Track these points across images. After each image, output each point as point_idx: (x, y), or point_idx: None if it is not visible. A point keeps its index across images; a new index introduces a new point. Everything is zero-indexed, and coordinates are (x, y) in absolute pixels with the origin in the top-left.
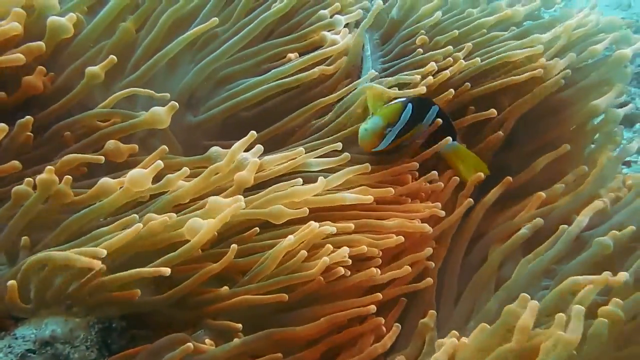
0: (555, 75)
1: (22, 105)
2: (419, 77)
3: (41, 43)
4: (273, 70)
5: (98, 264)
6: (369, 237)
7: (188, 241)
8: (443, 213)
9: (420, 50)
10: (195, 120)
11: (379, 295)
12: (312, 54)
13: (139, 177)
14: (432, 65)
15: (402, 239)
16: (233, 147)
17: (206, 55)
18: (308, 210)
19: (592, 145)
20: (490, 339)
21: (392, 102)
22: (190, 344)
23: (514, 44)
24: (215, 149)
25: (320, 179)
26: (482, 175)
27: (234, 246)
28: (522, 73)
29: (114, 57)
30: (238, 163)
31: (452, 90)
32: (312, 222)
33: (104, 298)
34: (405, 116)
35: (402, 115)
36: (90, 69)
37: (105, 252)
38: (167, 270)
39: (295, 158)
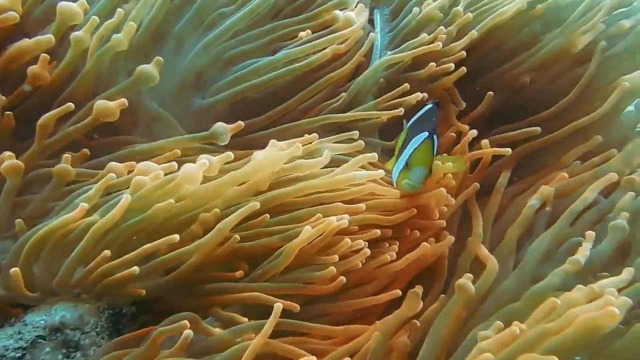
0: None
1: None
2: (426, 35)
3: (51, 36)
4: (284, 52)
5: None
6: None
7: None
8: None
9: (417, 9)
10: (204, 104)
11: (398, 292)
12: (328, 37)
13: (148, 169)
14: (441, 30)
15: (414, 211)
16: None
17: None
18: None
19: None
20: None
21: (417, 137)
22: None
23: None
24: (220, 125)
25: (326, 152)
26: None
27: (234, 215)
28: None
29: (97, 18)
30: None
31: (452, 64)
32: (332, 217)
33: (109, 286)
34: (435, 150)
35: (434, 151)
36: (75, 34)
37: (86, 205)
38: (176, 237)
39: (310, 143)
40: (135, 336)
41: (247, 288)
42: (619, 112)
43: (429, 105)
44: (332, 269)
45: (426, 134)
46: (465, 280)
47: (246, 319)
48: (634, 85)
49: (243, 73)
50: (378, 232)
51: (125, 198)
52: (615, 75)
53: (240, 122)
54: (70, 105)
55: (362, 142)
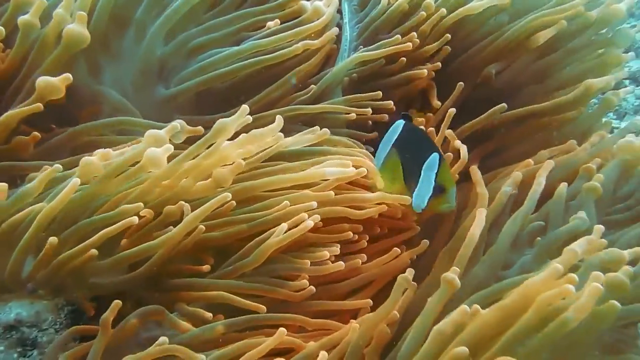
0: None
1: None
2: (399, 36)
3: (1, 29)
4: (251, 42)
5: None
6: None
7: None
8: None
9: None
10: (167, 94)
11: (369, 302)
12: (297, 29)
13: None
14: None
15: (384, 207)
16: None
17: (177, 22)
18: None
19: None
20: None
21: (430, 162)
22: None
23: None
24: (179, 122)
25: (278, 117)
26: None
27: (203, 208)
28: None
29: (44, 0)
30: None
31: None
32: (303, 215)
33: (67, 276)
34: None
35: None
36: (22, 18)
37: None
38: (134, 220)
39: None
40: (93, 329)
41: (214, 286)
42: (585, 106)
43: (400, 122)
44: (305, 282)
45: (437, 155)
46: (453, 275)
47: (210, 314)
48: (601, 86)
49: (208, 62)
50: (350, 233)
51: (74, 182)
52: (579, 68)
53: (200, 127)
54: (39, 105)
55: (327, 130)
